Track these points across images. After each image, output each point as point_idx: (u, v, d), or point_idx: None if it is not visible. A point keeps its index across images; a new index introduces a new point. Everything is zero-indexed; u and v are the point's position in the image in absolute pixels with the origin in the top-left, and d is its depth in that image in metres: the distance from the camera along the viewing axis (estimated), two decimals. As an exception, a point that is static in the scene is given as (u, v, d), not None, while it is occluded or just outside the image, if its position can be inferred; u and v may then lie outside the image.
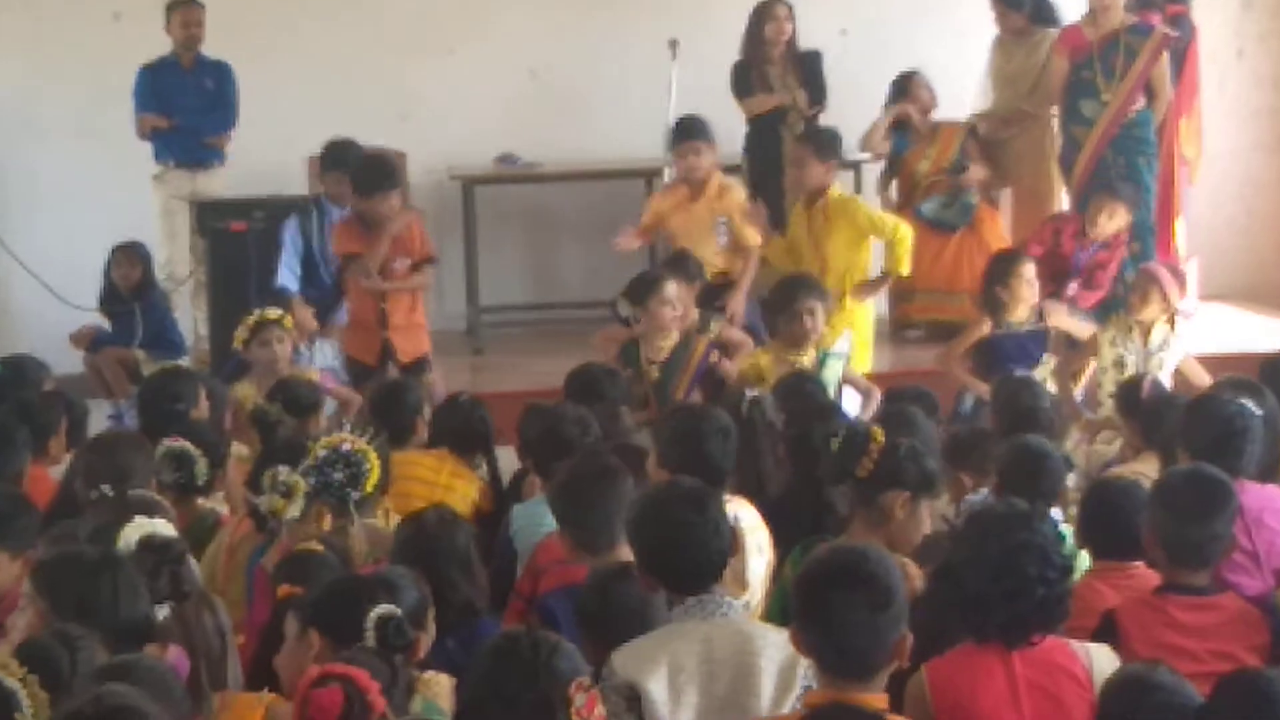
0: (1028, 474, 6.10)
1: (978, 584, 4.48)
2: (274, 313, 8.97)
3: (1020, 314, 9.33)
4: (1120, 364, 9.08)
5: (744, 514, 5.91)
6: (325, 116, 12.12)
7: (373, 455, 6.01)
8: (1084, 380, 9.42)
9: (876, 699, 4.12)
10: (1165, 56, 11.15)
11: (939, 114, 11.85)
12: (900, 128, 11.70)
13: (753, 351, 9.00)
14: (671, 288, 8.87)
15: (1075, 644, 4.59)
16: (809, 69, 11.40)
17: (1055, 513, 5.99)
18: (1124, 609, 5.16)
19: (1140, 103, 11.06)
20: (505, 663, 4.04)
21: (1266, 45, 13.50)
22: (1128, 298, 9.37)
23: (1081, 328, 9.76)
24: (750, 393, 6.87)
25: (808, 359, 8.60)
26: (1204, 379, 9.18)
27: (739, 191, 10.08)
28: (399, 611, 4.60)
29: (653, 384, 8.85)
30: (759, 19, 11.42)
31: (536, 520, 6.28)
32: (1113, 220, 10.26)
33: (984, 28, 12.12)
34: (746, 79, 11.46)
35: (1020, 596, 4.45)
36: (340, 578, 5.01)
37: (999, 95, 11.98)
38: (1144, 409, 7.26)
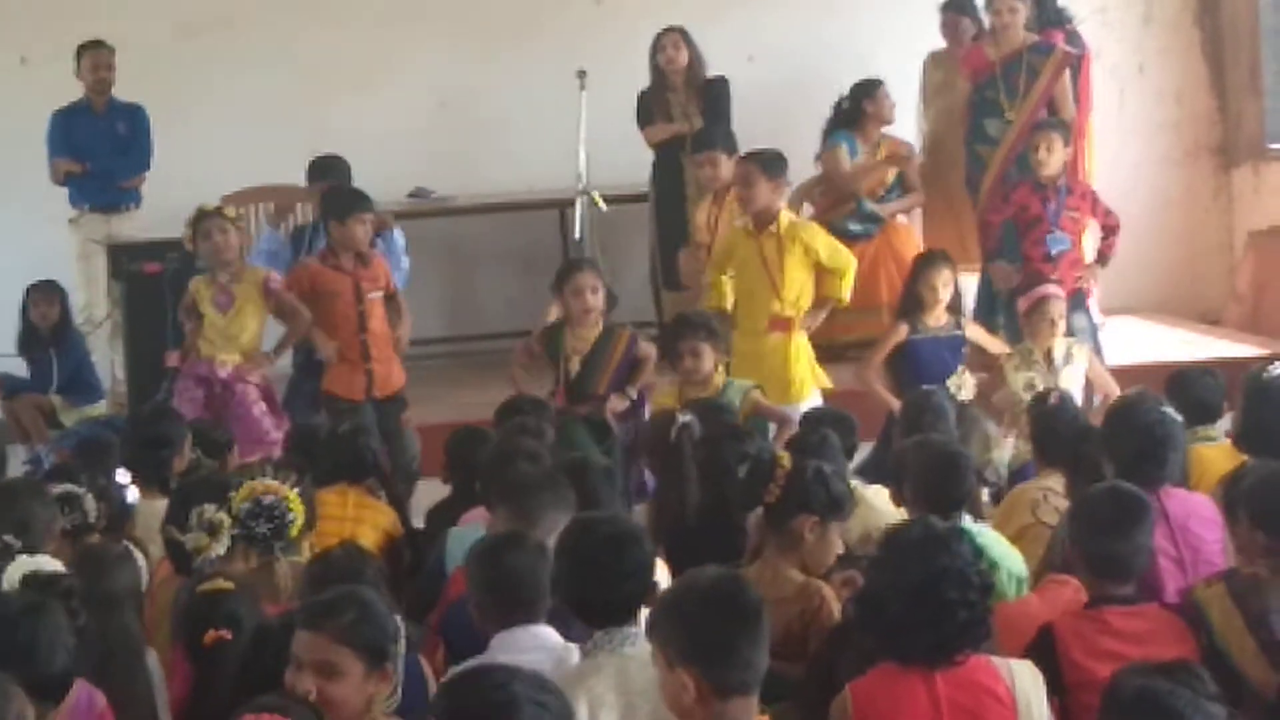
0: (944, 477, 6.18)
1: (899, 610, 4.50)
2: (213, 205, 9.37)
3: (939, 317, 9.39)
4: (1031, 386, 9.09)
5: None
6: (237, 156, 12.19)
7: (295, 500, 5.99)
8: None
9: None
10: (1067, 74, 11.27)
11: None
12: (851, 136, 11.68)
13: (662, 391, 9.00)
14: (584, 278, 8.95)
15: (998, 661, 4.61)
16: (710, 96, 11.47)
17: (983, 526, 6.12)
18: (1060, 622, 5.18)
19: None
20: (463, 694, 4.02)
21: (1167, 60, 13.66)
22: (1027, 328, 9.34)
23: (994, 343, 9.83)
24: (682, 418, 6.90)
25: (708, 395, 8.48)
26: (1110, 385, 9.30)
27: None
28: None
29: (571, 375, 8.94)
30: (652, 50, 11.55)
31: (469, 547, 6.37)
32: (1053, 153, 10.13)
33: (888, 52, 12.25)
34: (648, 108, 11.56)
35: (942, 621, 4.48)
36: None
37: (936, 110, 12.08)
38: (1040, 426, 7.29)
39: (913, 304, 9.42)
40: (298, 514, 5.99)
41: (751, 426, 7.93)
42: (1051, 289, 9.30)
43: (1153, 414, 6.28)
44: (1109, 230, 10.32)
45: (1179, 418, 6.34)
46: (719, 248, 9.76)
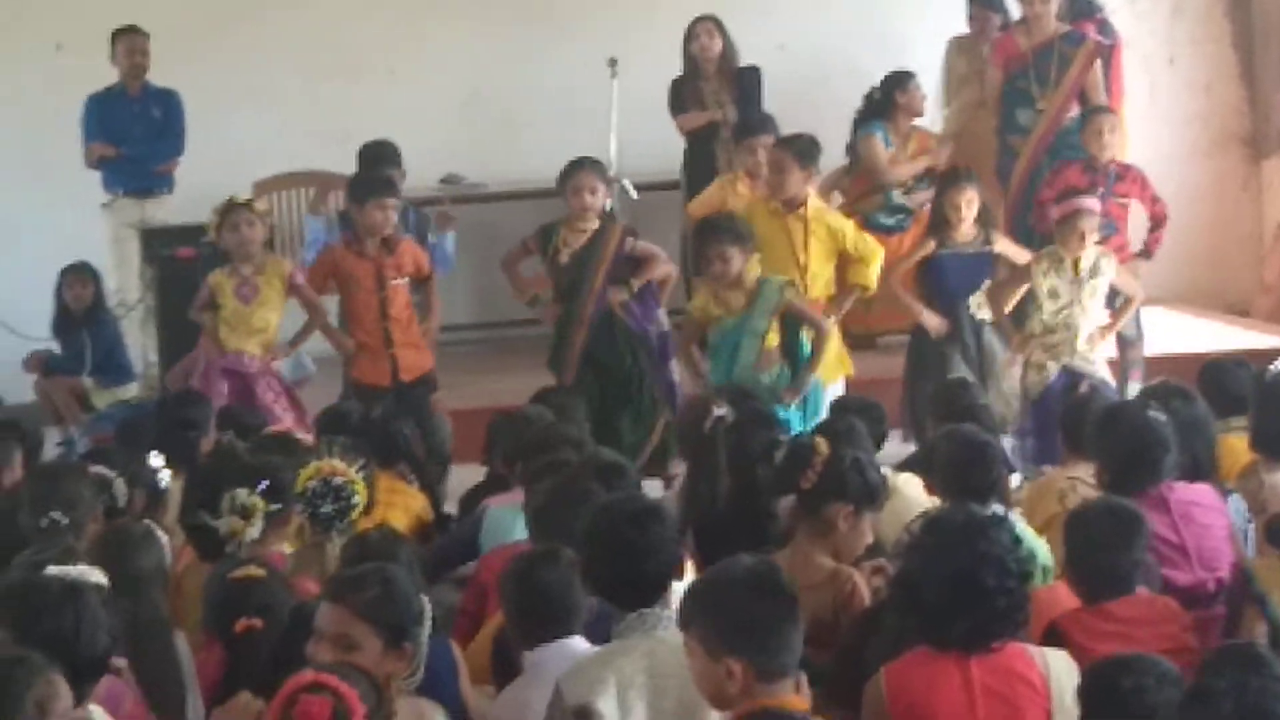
0: (971, 466, 6.18)
1: (937, 596, 4.52)
2: (243, 197, 9.36)
3: (966, 233, 9.61)
4: (1055, 294, 9.20)
5: None
6: (270, 142, 12.28)
7: (361, 485, 6.15)
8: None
9: (799, 701, 4.22)
10: (1098, 64, 11.25)
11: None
12: (883, 126, 11.61)
13: (700, 293, 9.06)
14: (584, 177, 9.22)
15: (1033, 649, 4.65)
16: (743, 85, 11.48)
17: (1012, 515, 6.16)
18: (1065, 618, 5.25)
19: (1075, 110, 11.11)
20: None
21: (1198, 51, 13.65)
22: (1059, 236, 9.32)
23: (1023, 254, 9.89)
24: (717, 410, 6.93)
25: (742, 295, 8.71)
26: (1133, 288, 9.52)
27: None
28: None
29: (561, 268, 9.21)
30: (686, 39, 11.55)
31: (505, 528, 6.44)
32: (1114, 133, 10.14)
33: (923, 40, 12.23)
34: (681, 96, 11.56)
35: (980, 608, 4.49)
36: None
37: (958, 99, 12.07)
38: (1070, 416, 7.28)
39: (939, 222, 9.72)
40: (361, 497, 6.10)
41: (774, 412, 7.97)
42: (1086, 202, 9.29)
43: (1140, 419, 6.30)
44: (1155, 222, 10.27)
45: (1164, 417, 6.32)
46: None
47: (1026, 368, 9.24)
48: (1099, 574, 5.34)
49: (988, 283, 9.63)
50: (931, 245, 9.70)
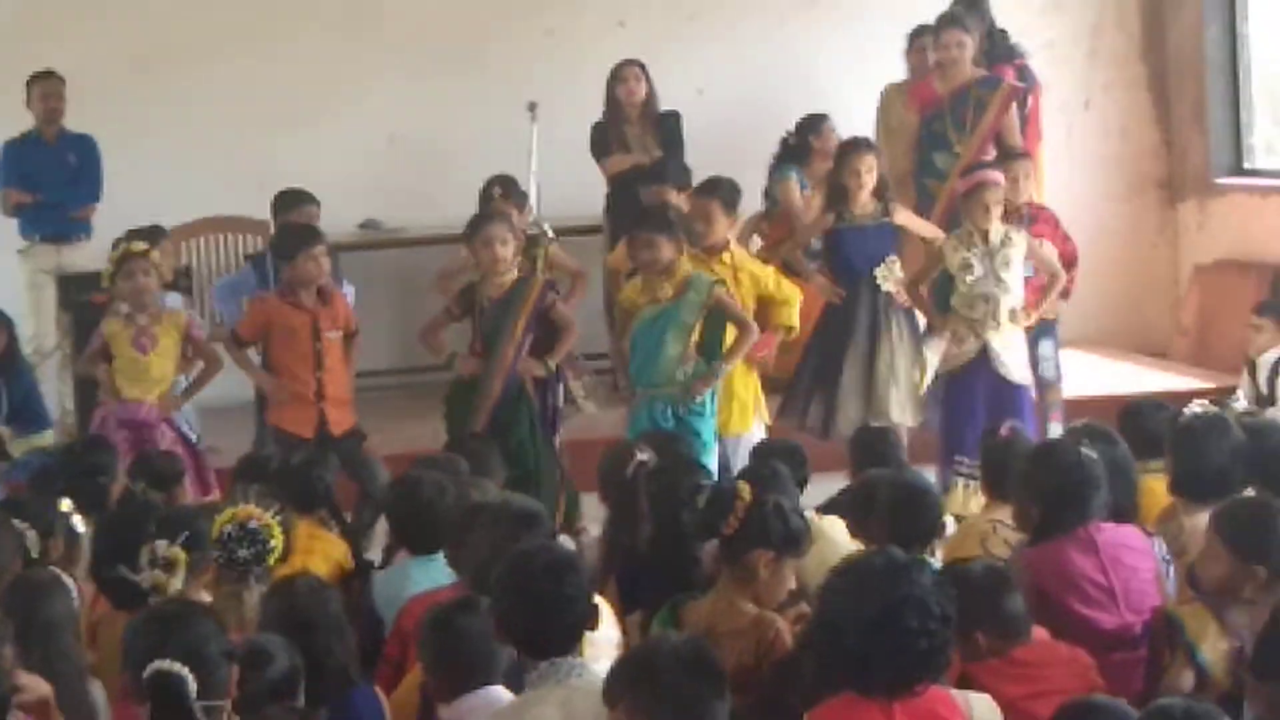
0: (913, 511, 6.28)
1: (858, 640, 4.46)
2: (139, 246, 9.24)
3: (864, 204, 9.65)
4: (967, 266, 9.36)
5: None
6: (188, 188, 12.22)
7: (277, 530, 6.08)
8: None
9: None
10: (1014, 108, 11.33)
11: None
12: (799, 171, 11.73)
13: (632, 286, 9.11)
14: (493, 229, 8.95)
15: (956, 693, 4.62)
16: (666, 129, 11.56)
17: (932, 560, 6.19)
18: (972, 669, 5.22)
19: (991, 153, 11.16)
20: None
21: (1112, 95, 13.79)
22: (965, 210, 9.50)
23: (926, 228, 10.00)
24: (640, 455, 6.92)
25: (671, 286, 8.78)
26: (1053, 265, 9.69)
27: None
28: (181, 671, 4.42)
29: (481, 319, 8.97)
30: (611, 82, 11.60)
31: (397, 587, 6.39)
32: (1028, 179, 10.26)
33: (838, 83, 12.29)
34: (605, 140, 11.61)
35: (903, 651, 4.44)
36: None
37: (905, 145, 12.03)
38: (991, 460, 7.28)
39: (838, 193, 9.74)
40: (278, 542, 6.05)
41: (699, 462, 7.94)
42: (990, 175, 9.52)
43: (1071, 455, 6.29)
44: (1067, 263, 10.31)
45: (1095, 455, 6.33)
46: None
47: (948, 342, 9.40)
48: (1010, 621, 5.34)
49: (891, 257, 9.70)
50: (829, 219, 9.72)
